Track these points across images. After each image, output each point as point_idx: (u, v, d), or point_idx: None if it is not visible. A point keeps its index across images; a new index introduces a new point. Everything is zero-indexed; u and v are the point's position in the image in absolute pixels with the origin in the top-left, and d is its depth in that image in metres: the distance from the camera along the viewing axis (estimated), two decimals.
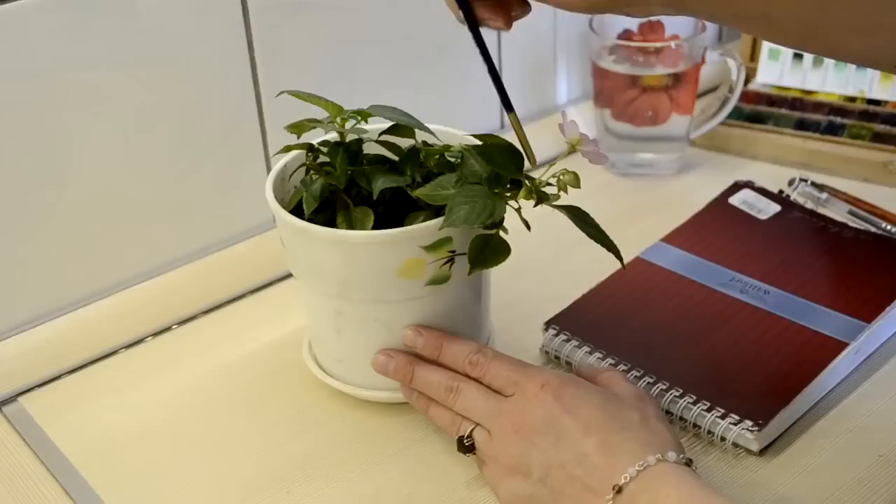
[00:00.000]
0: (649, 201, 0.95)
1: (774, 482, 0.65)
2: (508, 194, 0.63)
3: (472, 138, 0.70)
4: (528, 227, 0.64)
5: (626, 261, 0.81)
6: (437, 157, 0.69)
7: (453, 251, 0.65)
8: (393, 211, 0.68)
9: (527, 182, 0.63)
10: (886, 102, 1.01)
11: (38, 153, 0.76)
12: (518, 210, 0.64)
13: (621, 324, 0.76)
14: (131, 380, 0.76)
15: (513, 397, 0.64)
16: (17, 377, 0.76)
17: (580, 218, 0.64)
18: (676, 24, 0.97)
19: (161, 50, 0.79)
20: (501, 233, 0.65)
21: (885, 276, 0.79)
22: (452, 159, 0.68)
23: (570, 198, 0.63)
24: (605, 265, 0.81)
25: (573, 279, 0.80)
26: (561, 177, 0.63)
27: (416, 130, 0.70)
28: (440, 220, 0.62)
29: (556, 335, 0.75)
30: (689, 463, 0.59)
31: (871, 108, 1.01)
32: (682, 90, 0.94)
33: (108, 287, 0.83)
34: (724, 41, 1.21)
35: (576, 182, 0.63)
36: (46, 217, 0.78)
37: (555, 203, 0.63)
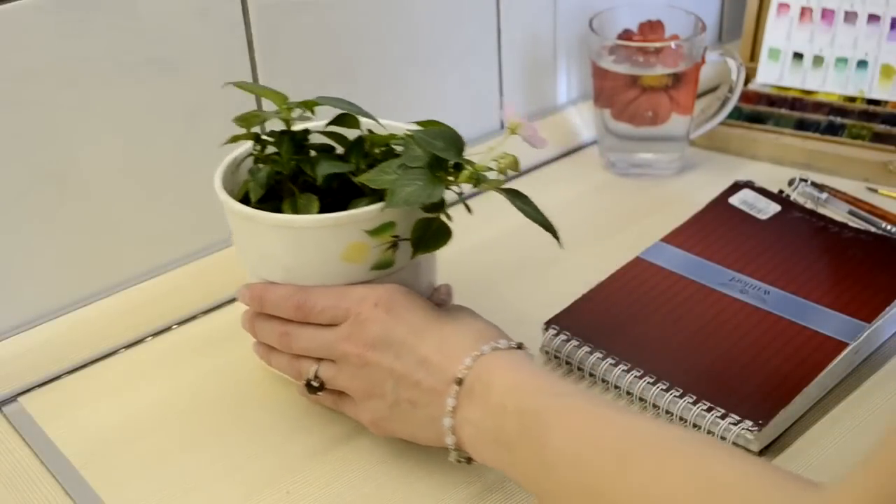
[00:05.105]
0: (649, 201, 0.95)
1: None
2: (450, 178, 0.65)
3: (416, 126, 0.70)
4: (469, 209, 0.66)
5: (626, 261, 0.82)
6: (382, 146, 0.70)
7: (397, 236, 0.66)
8: (341, 201, 0.69)
9: (467, 165, 0.64)
10: (886, 102, 1.01)
11: (38, 153, 0.76)
12: (459, 194, 0.66)
13: (621, 324, 0.76)
14: (131, 380, 0.76)
15: (347, 323, 0.64)
16: (17, 377, 0.76)
17: (519, 199, 0.66)
18: (676, 24, 0.97)
19: (161, 50, 0.79)
20: (444, 218, 0.66)
21: (885, 276, 0.79)
22: (399, 148, 0.70)
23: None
24: (605, 265, 0.81)
25: (573, 279, 0.80)
26: (500, 160, 0.65)
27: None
28: (382, 203, 0.63)
29: (556, 335, 0.75)
30: (520, 346, 0.63)
31: (871, 108, 1.01)
32: (682, 90, 0.94)
33: (108, 287, 0.83)
34: (724, 41, 1.21)
35: (515, 165, 0.65)
36: (46, 217, 0.78)
37: (496, 186, 0.64)
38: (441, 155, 0.64)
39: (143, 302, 0.83)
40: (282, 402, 0.73)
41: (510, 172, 0.65)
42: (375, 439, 0.69)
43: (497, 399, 0.58)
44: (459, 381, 0.60)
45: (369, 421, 0.65)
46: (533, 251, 0.86)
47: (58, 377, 0.77)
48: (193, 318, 0.82)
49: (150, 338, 0.81)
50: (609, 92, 0.96)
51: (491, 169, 0.65)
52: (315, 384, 0.66)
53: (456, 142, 0.65)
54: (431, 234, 0.66)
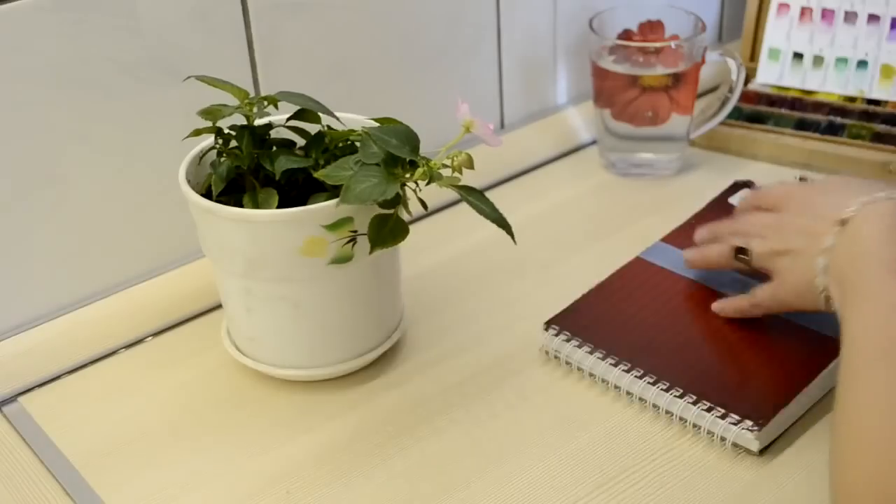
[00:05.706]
0: (649, 201, 0.95)
1: (774, 482, 0.65)
2: (408, 175, 0.65)
3: (374, 122, 0.71)
4: (426, 206, 0.67)
5: (626, 261, 0.82)
6: (345, 140, 0.71)
7: (355, 231, 0.66)
8: (304, 196, 0.69)
9: (422, 163, 0.65)
10: (886, 102, 1.01)
11: (38, 153, 0.76)
12: (415, 191, 0.66)
13: (621, 324, 0.76)
14: (131, 380, 0.76)
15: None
16: (17, 377, 0.76)
17: (473, 196, 0.66)
18: (676, 24, 0.97)
19: (161, 50, 0.79)
20: (402, 214, 0.67)
21: None
22: (359, 143, 0.70)
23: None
24: (605, 265, 0.81)
25: (573, 279, 0.80)
26: (455, 158, 0.66)
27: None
28: (338, 199, 0.64)
29: (556, 335, 0.75)
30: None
31: (871, 108, 1.01)
32: (682, 90, 0.94)
33: (108, 287, 0.83)
34: (724, 41, 1.21)
35: (469, 163, 0.66)
36: (46, 217, 0.78)
37: (451, 184, 0.65)
38: (395, 152, 0.65)
39: (143, 302, 0.83)
40: (282, 402, 0.73)
41: (465, 170, 0.67)
42: (375, 440, 0.69)
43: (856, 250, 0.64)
44: (843, 222, 0.65)
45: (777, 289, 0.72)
46: (533, 251, 0.86)
47: (58, 377, 0.77)
48: (194, 317, 0.82)
49: (150, 338, 0.81)
50: (609, 92, 0.96)
51: (446, 166, 0.66)
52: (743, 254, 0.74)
53: (410, 139, 0.66)
54: (388, 229, 0.66)
